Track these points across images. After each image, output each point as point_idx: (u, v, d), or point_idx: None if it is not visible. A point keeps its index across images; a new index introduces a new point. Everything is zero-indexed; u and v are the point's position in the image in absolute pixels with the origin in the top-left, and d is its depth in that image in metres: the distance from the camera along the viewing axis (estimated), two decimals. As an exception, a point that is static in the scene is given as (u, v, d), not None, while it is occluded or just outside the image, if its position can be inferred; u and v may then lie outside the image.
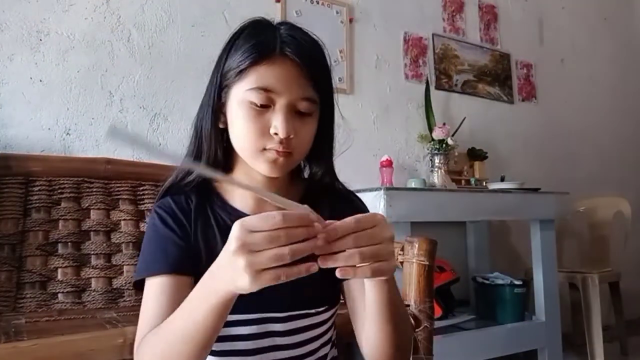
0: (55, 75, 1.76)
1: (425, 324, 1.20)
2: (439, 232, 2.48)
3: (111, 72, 1.86)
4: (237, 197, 0.77)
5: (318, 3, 2.35)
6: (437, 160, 2.39)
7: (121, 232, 1.56)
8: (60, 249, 1.46)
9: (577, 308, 2.64)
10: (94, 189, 1.56)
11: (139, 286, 0.74)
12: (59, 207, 1.50)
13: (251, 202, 0.77)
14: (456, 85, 2.81)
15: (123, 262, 1.52)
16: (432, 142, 2.40)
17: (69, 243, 1.47)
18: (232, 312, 0.66)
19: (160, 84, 1.94)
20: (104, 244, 1.52)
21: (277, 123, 0.68)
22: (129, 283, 1.48)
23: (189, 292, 0.66)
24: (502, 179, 2.53)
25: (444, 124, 2.44)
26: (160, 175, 1.72)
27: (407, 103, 2.61)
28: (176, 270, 0.69)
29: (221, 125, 0.75)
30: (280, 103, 0.69)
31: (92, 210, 1.54)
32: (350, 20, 2.46)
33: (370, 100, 2.49)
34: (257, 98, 0.68)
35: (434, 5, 2.79)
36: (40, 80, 1.74)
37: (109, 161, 1.60)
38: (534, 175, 2.84)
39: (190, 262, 0.71)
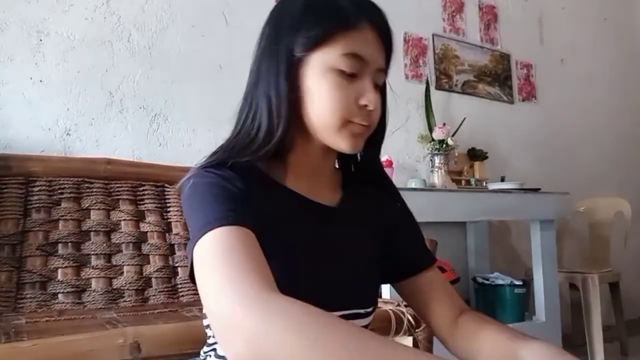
0: (55, 75, 1.76)
1: (425, 324, 1.20)
2: (439, 232, 2.48)
3: (111, 72, 1.86)
4: (288, 177, 0.69)
5: (318, 3, 2.35)
6: (437, 161, 2.39)
7: (121, 232, 1.56)
8: (60, 249, 1.45)
9: (577, 308, 2.64)
10: (94, 189, 1.56)
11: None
12: (59, 207, 1.50)
13: (307, 184, 0.70)
14: (456, 85, 2.81)
15: (123, 262, 1.52)
16: (432, 142, 2.40)
17: (69, 243, 1.47)
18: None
19: (160, 84, 1.94)
20: (104, 244, 1.52)
21: (370, 94, 0.64)
22: (129, 283, 1.48)
23: (259, 246, 0.56)
24: (502, 179, 2.53)
25: (444, 124, 2.44)
26: (160, 175, 1.73)
27: (407, 103, 2.61)
28: (244, 221, 0.56)
29: (290, 95, 0.65)
30: (368, 72, 0.65)
31: (92, 211, 1.54)
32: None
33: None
34: (349, 65, 0.63)
35: (434, 5, 2.79)
36: (40, 81, 1.74)
37: (109, 161, 1.60)
38: (534, 175, 2.84)
39: (252, 219, 0.58)
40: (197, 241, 0.55)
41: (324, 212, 0.70)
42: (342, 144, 0.66)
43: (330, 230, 0.70)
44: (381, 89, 0.71)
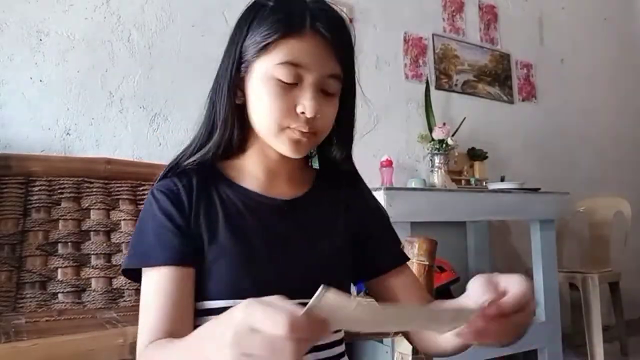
0: (55, 75, 1.76)
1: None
2: (439, 232, 2.47)
3: (111, 72, 1.86)
4: (247, 177, 0.73)
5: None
6: (437, 160, 2.39)
7: (121, 232, 1.56)
8: (60, 249, 1.45)
9: (577, 308, 2.64)
10: (94, 189, 1.56)
11: (129, 274, 0.70)
12: (59, 207, 1.50)
13: (262, 181, 0.73)
14: (456, 85, 2.81)
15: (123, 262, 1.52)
16: (432, 142, 2.40)
17: (69, 243, 1.47)
18: (242, 297, 0.60)
19: (160, 84, 1.94)
20: (104, 244, 1.52)
21: (305, 101, 0.65)
22: (129, 283, 1.48)
23: (191, 284, 0.64)
24: (502, 179, 2.53)
25: (444, 124, 2.44)
26: (160, 175, 1.72)
27: (407, 103, 2.61)
28: (177, 261, 0.64)
29: (237, 102, 0.70)
30: (308, 80, 0.65)
31: (92, 210, 1.54)
32: (350, 20, 2.45)
33: (370, 100, 2.48)
34: (285, 74, 0.64)
35: (434, 5, 2.79)
36: (40, 80, 1.74)
37: (109, 161, 1.60)
38: (534, 175, 2.84)
39: (191, 251, 0.66)
40: (136, 266, 0.68)
41: (275, 205, 0.72)
42: (282, 148, 0.68)
43: (280, 222, 0.71)
44: (347, 94, 0.72)
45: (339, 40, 0.67)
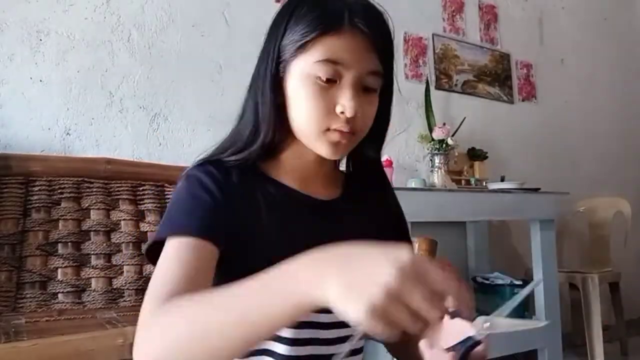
0: (55, 75, 1.76)
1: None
2: (439, 232, 2.48)
3: (111, 72, 1.86)
4: (283, 174, 0.72)
5: (318, 3, 2.35)
6: (437, 160, 2.39)
7: (121, 232, 1.56)
8: (60, 249, 1.46)
9: (577, 308, 2.63)
10: (94, 189, 1.56)
11: (152, 255, 0.63)
12: (59, 207, 1.50)
13: (300, 181, 0.72)
14: (456, 85, 2.81)
15: (123, 262, 1.52)
16: (432, 142, 2.40)
17: (69, 243, 1.47)
18: None
19: (160, 84, 1.94)
20: (104, 244, 1.52)
21: (345, 101, 0.63)
22: (129, 283, 1.48)
23: (212, 263, 0.61)
24: (502, 179, 2.53)
25: (444, 124, 2.44)
26: (160, 175, 1.73)
27: (407, 103, 2.61)
28: (205, 233, 0.60)
29: (278, 101, 0.68)
30: (348, 77, 0.64)
31: (92, 210, 1.54)
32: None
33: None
34: (324, 71, 0.63)
35: (434, 5, 2.79)
36: (40, 80, 1.74)
37: (109, 161, 1.61)
38: (534, 175, 2.84)
39: (221, 230, 0.62)
40: (161, 236, 0.62)
41: (317, 205, 0.71)
42: (321, 150, 0.67)
43: (323, 223, 0.70)
44: (384, 91, 0.70)
45: (378, 35, 0.65)
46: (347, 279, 0.41)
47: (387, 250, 0.42)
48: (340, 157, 0.69)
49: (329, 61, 0.63)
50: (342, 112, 0.64)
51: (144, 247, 0.67)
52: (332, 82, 0.64)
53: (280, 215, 0.68)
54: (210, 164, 0.68)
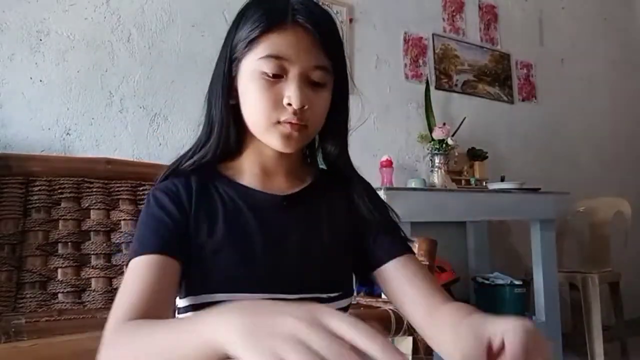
0: (55, 75, 1.76)
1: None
2: (439, 232, 2.48)
3: (111, 72, 1.86)
4: (245, 175, 0.74)
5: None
6: (437, 160, 2.39)
7: (121, 232, 1.55)
8: (60, 249, 1.45)
9: (577, 308, 2.64)
10: (94, 189, 1.56)
11: None
12: (59, 207, 1.50)
13: (260, 178, 0.73)
14: (456, 85, 2.81)
15: (123, 262, 1.52)
16: (432, 142, 2.40)
17: (69, 243, 1.47)
18: (239, 290, 0.65)
19: (160, 84, 1.94)
20: (104, 244, 1.51)
21: (291, 93, 0.65)
22: (129, 283, 1.48)
23: (174, 278, 0.63)
24: (502, 179, 2.53)
25: (444, 124, 2.44)
26: (160, 175, 1.72)
27: (407, 103, 2.61)
28: (163, 249, 0.63)
29: (232, 102, 0.71)
30: (293, 72, 0.66)
31: (92, 210, 1.54)
32: (350, 20, 2.46)
33: (370, 100, 2.49)
34: (269, 67, 0.65)
35: (434, 5, 2.79)
36: (40, 80, 1.74)
37: (109, 161, 1.60)
38: (534, 175, 2.84)
39: (181, 245, 0.65)
40: (127, 261, 0.66)
41: (272, 200, 0.72)
42: (274, 143, 0.68)
43: (277, 216, 0.72)
44: (338, 87, 0.72)
45: (322, 31, 0.67)
46: (248, 327, 0.41)
47: (298, 305, 0.41)
48: (294, 149, 0.70)
49: (273, 57, 0.65)
50: (290, 104, 0.66)
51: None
52: (278, 77, 0.66)
53: (235, 213, 0.70)
54: (172, 175, 0.73)
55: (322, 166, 0.80)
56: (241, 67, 0.69)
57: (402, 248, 0.76)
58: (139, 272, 0.62)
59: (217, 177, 0.73)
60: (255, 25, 0.66)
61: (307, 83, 0.67)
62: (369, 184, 0.84)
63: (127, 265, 0.68)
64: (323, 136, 0.76)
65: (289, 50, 0.65)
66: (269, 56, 0.65)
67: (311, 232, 0.73)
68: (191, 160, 0.73)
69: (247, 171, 0.74)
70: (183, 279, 0.65)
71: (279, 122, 0.67)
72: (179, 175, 0.73)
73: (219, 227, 0.69)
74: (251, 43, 0.66)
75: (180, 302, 0.69)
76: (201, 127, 0.76)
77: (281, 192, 0.73)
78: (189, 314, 0.68)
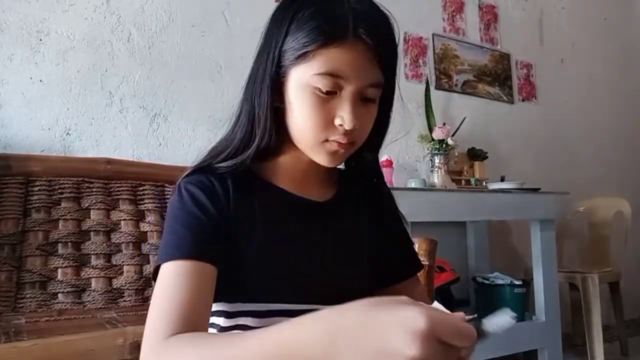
0: (55, 75, 1.76)
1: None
2: (439, 232, 2.47)
3: (111, 72, 1.86)
4: (281, 178, 0.71)
5: (318, 3, 2.35)
6: (437, 160, 2.39)
7: (121, 232, 1.56)
8: (60, 249, 1.45)
9: (577, 308, 2.64)
10: (94, 189, 1.56)
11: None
12: (59, 207, 1.50)
13: (296, 183, 0.71)
14: (456, 85, 2.81)
15: (123, 262, 1.52)
16: (432, 142, 2.40)
17: (69, 243, 1.47)
18: (278, 301, 0.63)
19: (160, 84, 1.94)
20: (104, 244, 1.52)
21: (344, 114, 0.62)
22: (129, 283, 1.48)
23: (213, 285, 0.60)
24: (502, 179, 2.53)
25: (444, 124, 2.44)
26: (160, 175, 1.73)
27: (407, 103, 2.61)
28: (202, 255, 0.59)
29: (276, 104, 0.66)
30: (348, 90, 0.62)
31: (92, 210, 1.54)
32: (350, 20, 2.45)
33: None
34: (324, 84, 0.61)
35: (434, 5, 2.79)
36: (40, 80, 1.74)
37: (109, 161, 1.60)
38: (534, 175, 2.84)
39: (219, 249, 0.61)
40: (161, 261, 0.60)
41: (312, 207, 0.71)
42: (318, 159, 0.66)
43: (317, 224, 0.70)
44: (384, 97, 0.69)
45: (383, 45, 0.63)
46: (353, 345, 0.39)
47: (397, 313, 0.39)
48: (338, 164, 0.69)
49: (330, 74, 0.61)
50: (341, 125, 0.63)
51: (152, 272, 0.66)
52: (331, 94, 0.62)
53: (275, 219, 0.68)
54: (203, 172, 0.67)
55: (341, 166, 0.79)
56: (291, 75, 0.64)
57: (413, 268, 0.78)
58: (174, 282, 0.57)
59: (253, 177, 0.70)
60: (312, 36, 0.61)
61: (359, 99, 0.64)
62: (391, 193, 0.82)
63: (156, 266, 0.62)
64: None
65: (347, 68, 0.61)
66: (324, 74, 0.61)
67: (341, 241, 0.72)
68: (227, 163, 0.67)
69: (284, 174, 0.71)
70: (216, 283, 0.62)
71: (327, 140, 0.64)
72: (213, 174, 0.67)
73: (259, 234, 0.66)
74: (305, 55, 0.61)
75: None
76: (233, 127, 0.70)
77: (317, 197, 0.72)
78: (220, 319, 0.66)
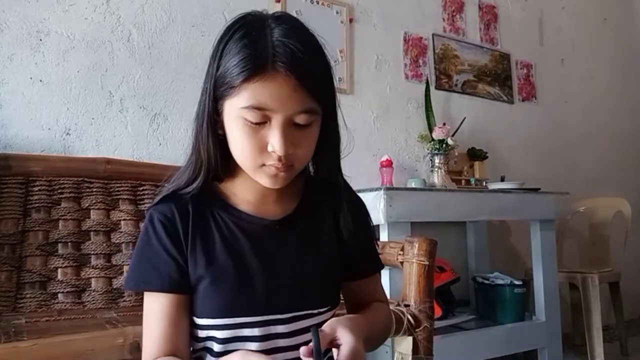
0: (55, 75, 1.76)
1: (425, 324, 1.21)
2: (439, 232, 2.48)
3: (111, 72, 1.86)
4: (239, 198, 0.76)
5: (318, 3, 2.36)
6: (437, 160, 2.39)
7: (121, 232, 1.56)
8: (60, 249, 1.46)
9: (577, 308, 2.64)
10: (94, 189, 1.56)
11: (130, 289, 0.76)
12: (59, 207, 1.50)
13: (253, 203, 0.76)
14: (456, 85, 2.81)
15: (123, 262, 1.52)
16: (432, 142, 2.40)
17: (69, 243, 1.47)
18: (239, 315, 0.70)
19: (160, 84, 1.94)
20: (104, 244, 1.52)
21: (274, 141, 0.65)
22: (129, 283, 1.48)
23: (187, 309, 0.70)
24: (502, 179, 2.53)
25: (444, 124, 2.44)
26: (160, 175, 1.72)
27: (407, 103, 2.61)
28: (170, 289, 0.70)
29: (220, 131, 0.71)
30: (277, 119, 0.65)
31: (92, 210, 1.54)
32: (350, 20, 2.46)
33: (370, 100, 2.49)
34: (252, 116, 0.64)
35: (434, 5, 2.79)
36: (40, 80, 1.74)
37: (109, 161, 1.60)
38: (534, 175, 2.84)
39: (185, 279, 0.71)
40: (131, 288, 0.78)
41: (268, 226, 0.75)
42: (262, 181, 0.70)
43: (274, 242, 0.75)
44: (327, 115, 0.71)
45: (306, 74, 0.64)
46: None
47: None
48: (282, 186, 0.71)
49: (254, 107, 0.64)
50: (274, 151, 0.66)
51: (123, 284, 0.78)
52: (261, 123, 0.65)
53: (232, 242, 0.73)
54: (169, 199, 0.74)
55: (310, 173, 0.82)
56: (225, 107, 0.68)
57: (372, 269, 0.86)
58: (156, 311, 0.70)
59: (213, 199, 0.75)
60: (236, 72, 0.64)
61: (292, 125, 0.66)
62: (357, 200, 0.84)
63: (125, 288, 0.76)
64: (314, 158, 0.76)
65: (270, 100, 0.63)
66: (250, 107, 0.64)
67: (303, 252, 0.76)
68: (186, 190, 0.73)
69: (240, 195, 0.76)
70: None
71: (264, 165, 0.68)
72: (176, 198, 0.74)
73: (217, 257, 0.71)
74: (232, 89, 0.65)
75: None
76: (190, 153, 0.75)
77: (273, 215, 0.76)
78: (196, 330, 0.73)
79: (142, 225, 1.56)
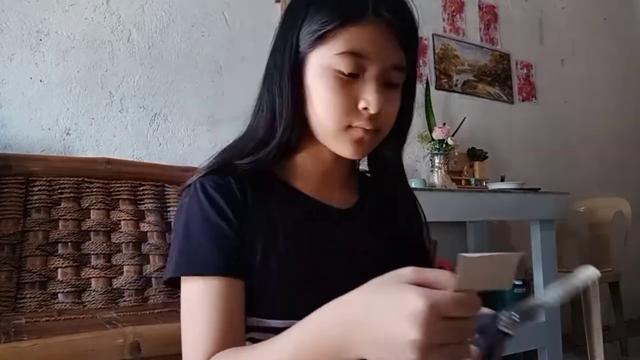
0: (55, 75, 1.76)
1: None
2: (439, 232, 2.48)
3: (111, 72, 1.86)
4: (301, 178, 0.67)
5: (318, 3, 2.35)
6: (437, 160, 2.39)
7: (121, 232, 1.56)
8: (60, 249, 1.45)
9: (577, 308, 2.63)
10: (94, 189, 1.56)
11: (171, 281, 0.61)
12: (59, 207, 1.50)
13: (316, 184, 0.67)
14: (456, 85, 2.81)
15: (123, 262, 1.52)
16: (432, 142, 2.40)
17: (69, 243, 1.47)
18: (296, 317, 0.56)
19: (160, 84, 1.94)
20: (104, 244, 1.52)
21: (369, 96, 0.58)
22: (129, 283, 1.48)
23: (242, 299, 0.58)
24: (502, 179, 2.53)
25: (444, 124, 2.44)
26: (160, 175, 1.73)
27: (407, 103, 2.61)
28: (231, 271, 0.58)
29: (295, 94, 0.63)
30: (372, 71, 0.59)
31: (92, 210, 1.54)
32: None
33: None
34: (346, 65, 0.58)
35: (434, 5, 2.79)
36: (40, 80, 1.74)
37: (109, 161, 1.60)
38: (534, 175, 2.84)
39: (244, 260, 0.59)
40: (182, 272, 0.60)
41: (332, 215, 0.67)
42: (342, 149, 0.62)
43: (337, 233, 0.67)
44: (406, 87, 0.65)
45: (404, 26, 0.60)
46: (376, 353, 0.40)
47: (395, 299, 0.40)
48: (363, 156, 0.65)
49: (351, 54, 0.58)
50: (366, 108, 0.59)
51: (164, 277, 0.64)
52: (354, 76, 0.59)
53: (297, 227, 0.64)
54: (222, 172, 0.63)
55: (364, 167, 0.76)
56: (310, 60, 0.61)
57: (429, 264, 0.75)
58: (208, 301, 0.56)
59: (271, 179, 0.66)
60: (331, 16, 0.58)
61: (383, 83, 0.61)
62: (414, 197, 0.77)
63: (169, 276, 0.61)
64: (383, 140, 0.67)
65: (369, 47, 0.58)
66: (346, 53, 0.58)
67: (362, 246, 0.69)
68: (248, 160, 0.63)
69: (304, 175, 0.67)
70: None
71: (350, 127, 0.60)
72: (231, 175, 0.63)
73: (281, 243, 0.61)
74: (324, 36, 0.59)
75: None
76: (253, 121, 0.67)
77: (337, 203, 0.68)
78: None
79: (145, 222, 1.57)
